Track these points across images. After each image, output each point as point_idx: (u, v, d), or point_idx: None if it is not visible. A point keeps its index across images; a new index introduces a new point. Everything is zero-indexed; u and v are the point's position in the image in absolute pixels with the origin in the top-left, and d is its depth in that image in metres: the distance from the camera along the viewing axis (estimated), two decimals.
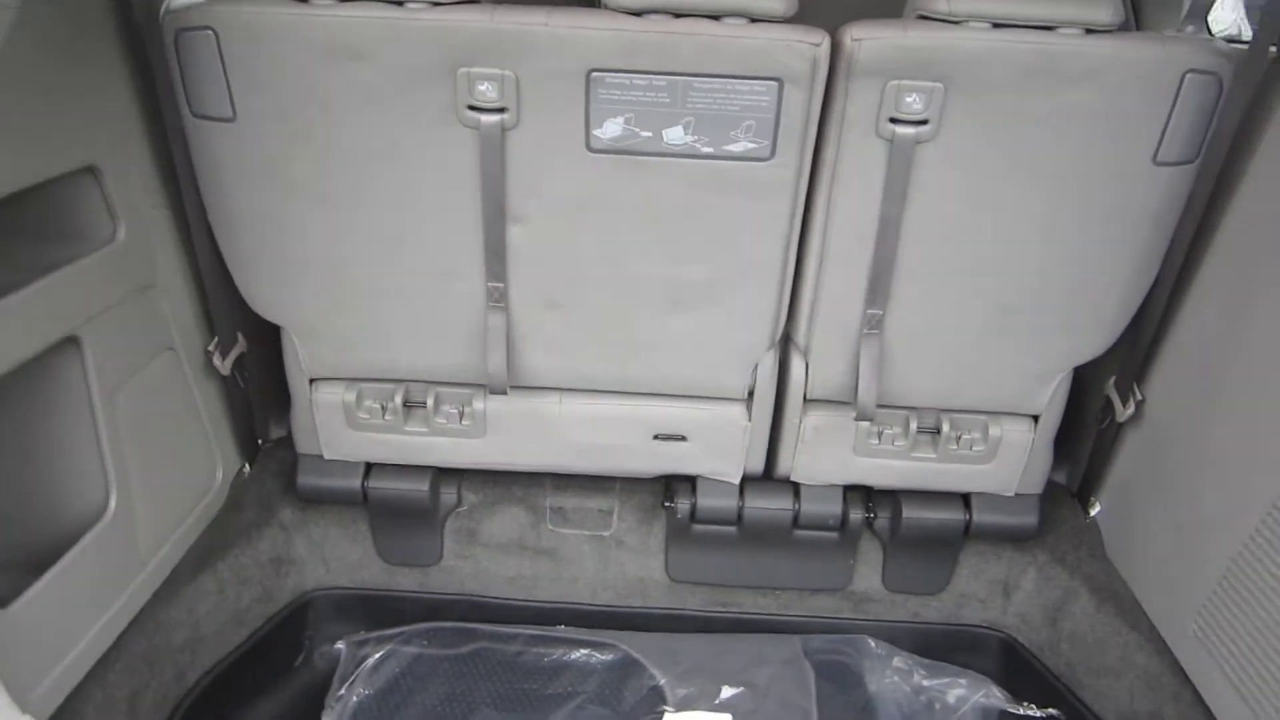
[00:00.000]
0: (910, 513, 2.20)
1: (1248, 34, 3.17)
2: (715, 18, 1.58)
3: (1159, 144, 1.65)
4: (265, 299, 1.95)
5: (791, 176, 1.70)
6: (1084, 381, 2.15)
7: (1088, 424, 2.19)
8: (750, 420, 2.07)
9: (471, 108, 1.63)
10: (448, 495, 2.29)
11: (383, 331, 1.96)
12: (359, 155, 1.71)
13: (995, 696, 2.23)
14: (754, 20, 1.58)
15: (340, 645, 2.31)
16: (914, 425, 2.06)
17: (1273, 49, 1.62)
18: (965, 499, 2.21)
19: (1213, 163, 1.70)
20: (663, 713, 2.13)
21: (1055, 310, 1.88)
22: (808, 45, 1.56)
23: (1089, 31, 1.58)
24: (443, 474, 2.26)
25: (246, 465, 2.30)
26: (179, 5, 1.64)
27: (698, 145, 1.66)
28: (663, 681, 2.21)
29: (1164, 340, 1.99)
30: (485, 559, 2.34)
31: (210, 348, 2.05)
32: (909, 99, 1.61)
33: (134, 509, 1.82)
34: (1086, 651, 2.12)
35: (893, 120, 1.64)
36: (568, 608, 2.37)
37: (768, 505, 2.20)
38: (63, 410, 1.69)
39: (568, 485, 2.33)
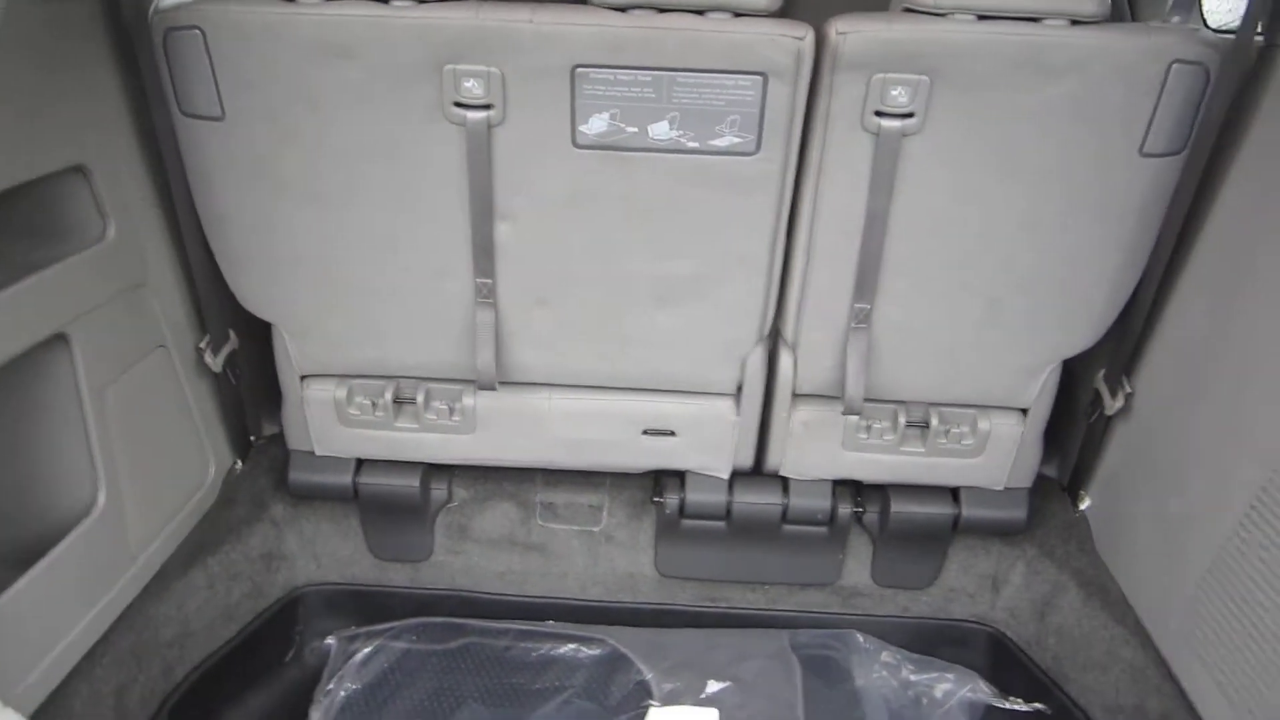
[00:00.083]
0: (899, 507, 2.20)
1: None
2: (699, 12, 1.59)
3: (1145, 135, 1.65)
4: (256, 296, 1.95)
5: (777, 171, 1.70)
6: (1074, 374, 2.15)
7: (1077, 417, 2.19)
8: (739, 415, 2.07)
9: (458, 104, 1.64)
10: (438, 491, 2.29)
11: (373, 328, 1.97)
12: (348, 153, 1.72)
13: (982, 691, 2.23)
14: (738, 15, 1.59)
15: (331, 640, 2.31)
16: (903, 419, 2.06)
17: (1258, 39, 1.62)
18: (954, 493, 2.21)
19: (1200, 154, 1.70)
20: (648, 707, 2.14)
21: (1043, 303, 1.88)
22: (791, 39, 1.56)
23: (1074, 23, 1.58)
24: (433, 470, 2.27)
25: (239, 462, 2.31)
26: (167, 5, 1.65)
27: (683, 140, 1.66)
28: (649, 676, 2.21)
29: (1152, 333, 1.99)
30: (476, 554, 2.34)
31: (201, 345, 2.06)
32: (894, 92, 1.62)
33: (123, 504, 1.82)
34: (1073, 646, 2.12)
35: (878, 114, 1.64)
36: (558, 603, 2.38)
37: (756, 500, 2.20)
38: (52, 406, 1.70)
39: (558, 481, 2.33)
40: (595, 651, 2.29)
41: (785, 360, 2.01)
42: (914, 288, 1.86)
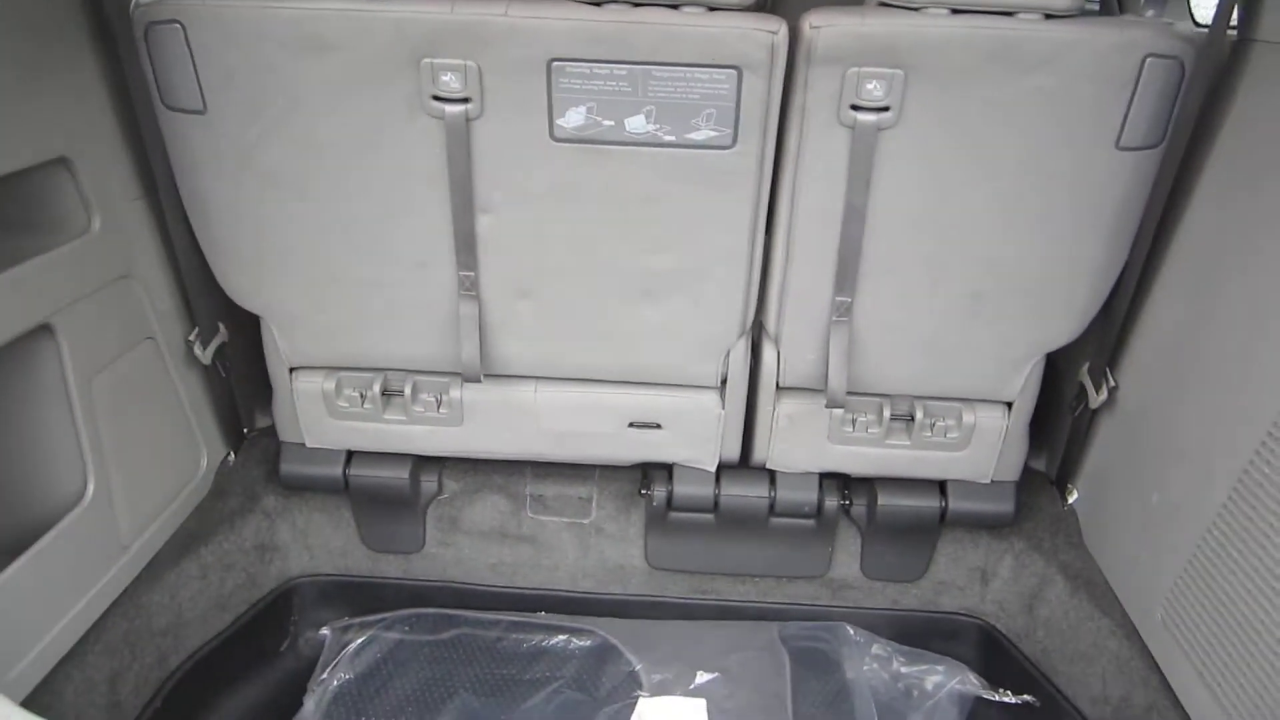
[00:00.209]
0: (886, 500, 2.21)
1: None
2: (674, 6, 1.59)
3: (1121, 129, 1.64)
4: (242, 289, 1.98)
5: (754, 164, 1.71)
6: (1059, 368, 2.15)
7: (1064, 411, 2.19)
8: (724, 408, 2.08)
9: (436, 98, 1.65)
10: (428, 483, 2.31)
11: (359, 321, 1.99)
12: (330, 146, 1.73)
13: (971, 683, 2.23)
14: (713, 9, 1.59)
15: (325, 631, 2.35)
16: (887, 412, 2.06)
17: (1231, 32, 1.61)
18: (941, 486, 2.21)
19: (1177, 147, 1.69)
20: (637, 698, 2.15)
21: (1024, 296, 1.88)
22: (765, 33, 1.57)
23: (1048, 16, 1.58)
24: (423, 462, 2.29)
25: (231, 453, 2.34)
26: None
27: (659, 134, 1.67)
28: (639, 667, 2.23)
29: (1135, 326, 1.99)
30: (467, 546, 2.37)
31: (191, 337, 2.09)
32: (869, 86, 1.62)
33: (113, 494, 1.85)
34: (1061, 638, 2.12)
35: (854, 107, 1.64)
36: (549, 594, 2.40)
37: (744, 493, 2.21)
38: (39, 397, 1.73)
39: (547, 473, 2.35)
40: (585, 643, 2.31)
41: (768, 354, 2.02)
42: (895, 281, 1.86)
